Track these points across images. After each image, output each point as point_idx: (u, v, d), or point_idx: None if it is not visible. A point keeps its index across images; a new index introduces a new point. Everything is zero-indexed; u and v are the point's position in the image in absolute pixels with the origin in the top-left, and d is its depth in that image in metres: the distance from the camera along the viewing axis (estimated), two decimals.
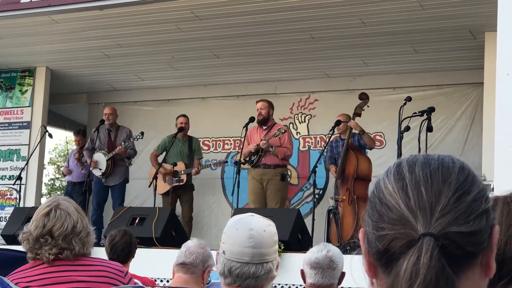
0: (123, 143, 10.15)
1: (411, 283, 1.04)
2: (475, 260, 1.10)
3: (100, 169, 10.22)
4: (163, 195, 10.04)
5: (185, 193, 10.11)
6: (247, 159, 9.24)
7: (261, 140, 9.23)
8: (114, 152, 10.15)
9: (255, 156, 9.29)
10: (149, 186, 9.88)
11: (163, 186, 10.00)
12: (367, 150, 9.16)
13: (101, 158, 10.26)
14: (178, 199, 10.14)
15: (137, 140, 10.27)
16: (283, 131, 9.25)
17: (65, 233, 2.82)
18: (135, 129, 10.71)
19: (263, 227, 2.46)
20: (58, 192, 27.94)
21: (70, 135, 12.30)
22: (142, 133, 10.20)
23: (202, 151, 10.83)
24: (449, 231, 1.07)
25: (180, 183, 9.94)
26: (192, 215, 10.18)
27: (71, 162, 11.24)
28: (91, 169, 10.20)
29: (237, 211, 8.41)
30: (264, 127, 9.51)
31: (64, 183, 14.79)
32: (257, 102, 9.71)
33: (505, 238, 1.55)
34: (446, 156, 1.16)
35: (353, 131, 8.90)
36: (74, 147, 11.66)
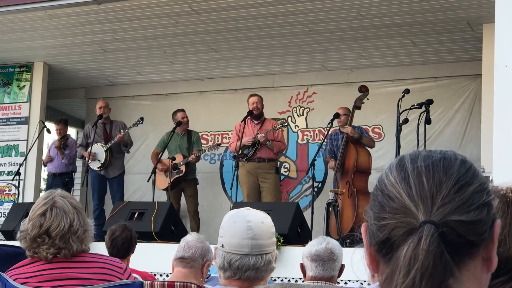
0: (121, 130, 10.18)
1: (409, 268, 1.05)
2: (477, 251, 1.10)
3: (99, 160, 10.21)
4: (165, 190, 10.00)
5: (188, 187, 10.11)
6: (240, 152, 9.22)
7: (257, 133, 9.24)
8: (112, 141, 10.17)
9: (250, 150, 9.27)
10: (148, 181, 9.87)
11: (164, 181, 9.99)
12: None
13: (99, 149, 10.24)
14: (182, 194, 10.14)
15: (137, 125, 10.28)
16: (285, 124, 9.25)
17: (62, 233, 2.81)
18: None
19: (261, 219, 2.47)
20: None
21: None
22: (142, 118, 10.31)
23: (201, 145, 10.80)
24: (449, 220, 1.08)
25: (180, 174, 9.94)
26: (198, 210, 10.16)
27: (51, 152, 10.99)
28: (89, 161, 10.12)
29: (236, 205, 8.41)
30: (257, 122, 9.52)
31: None
32: (249, 96, 9.68)
33: (501, 237, 1.53)
34: (449, 150, 1.17)
35: (353, 124, 8.90)
36: (56, 137, 11.28)
